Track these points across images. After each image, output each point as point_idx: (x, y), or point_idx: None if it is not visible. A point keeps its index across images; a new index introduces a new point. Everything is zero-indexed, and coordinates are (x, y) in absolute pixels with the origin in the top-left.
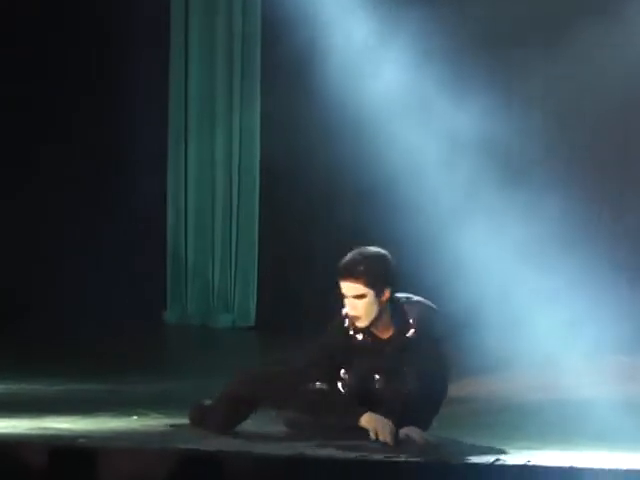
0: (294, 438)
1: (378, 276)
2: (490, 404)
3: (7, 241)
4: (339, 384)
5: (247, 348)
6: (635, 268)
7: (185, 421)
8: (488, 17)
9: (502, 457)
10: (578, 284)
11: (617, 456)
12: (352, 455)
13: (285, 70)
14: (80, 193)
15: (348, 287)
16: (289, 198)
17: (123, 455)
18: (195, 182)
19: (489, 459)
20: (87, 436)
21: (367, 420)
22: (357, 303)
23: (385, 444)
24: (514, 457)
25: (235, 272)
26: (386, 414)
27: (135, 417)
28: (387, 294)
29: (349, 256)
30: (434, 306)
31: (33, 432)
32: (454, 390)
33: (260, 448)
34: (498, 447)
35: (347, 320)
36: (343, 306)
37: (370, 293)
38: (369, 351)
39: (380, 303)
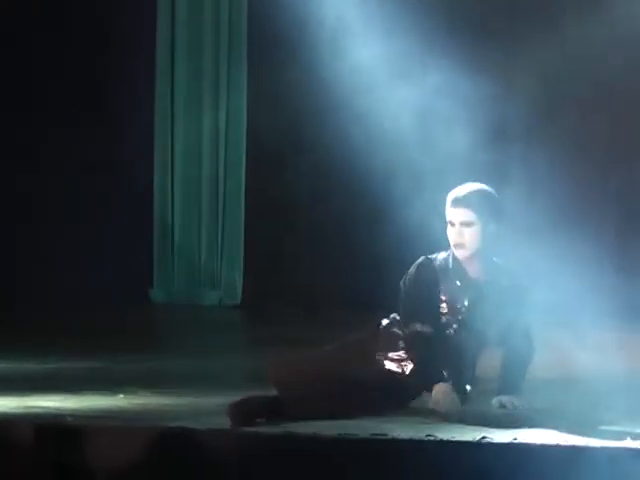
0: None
1: (488, 208)
2: None
3: None
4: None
5: (233, 326)
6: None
7: (170, 398)
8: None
9: (489, 435)
10: (563, 265)
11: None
12: (335, 432)
13: (272, 46)
14: (65, 174)
15: (458, 213)
16: (276, 176)
17: (110, 433)
18: (182, 161)
19: (476, 436)
20: (74, 414)
21: (437, 390)
22: (464, 231)
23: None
24: (501, 435)
25: (222, 250)
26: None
27: (122, 395)
28: (493, 230)
29: (463, 186)
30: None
31: (20, 411)
32: None
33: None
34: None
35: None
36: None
37: (478, 223)
38: (458, 288)
39: (485, 236)
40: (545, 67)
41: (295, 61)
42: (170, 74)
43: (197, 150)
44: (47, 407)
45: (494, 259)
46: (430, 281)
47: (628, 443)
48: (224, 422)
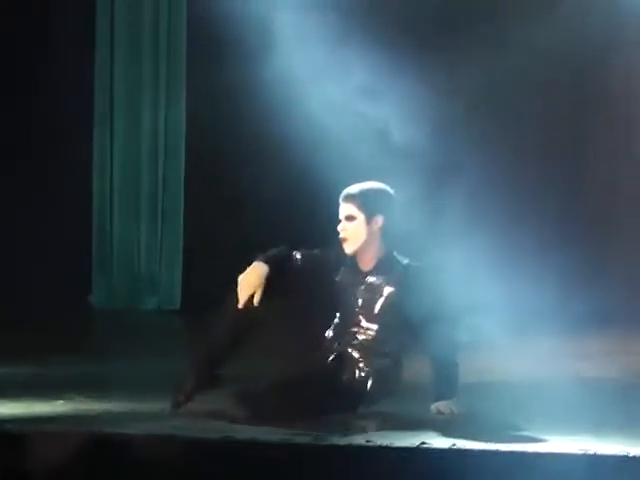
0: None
1: (371, 202)
2: None
3: None
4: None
5: (172, 331)
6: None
7: (108, 404)
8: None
9: (428, 441)
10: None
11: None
12: (276, 437)
13: (211, 42)
14: (3, 176)
15: (342, 208)
16: (215, 179)
17: (49, 439)
18: (120, 165)
19: (415, 442)
20: (13, 420)
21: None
22: (347, 225)
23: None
24: (440, 441)
25: (161, 255)
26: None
27: (61, 401)
28: (379, 222)
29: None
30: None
31: None
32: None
33: (189, 431)
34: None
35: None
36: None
37: (360, 217)
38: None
39: (370, 231)
40: (487, 71)
41: (234, 61)
42: (109, 77)
43: (136, 154)
44: None
45: (394, 254)
46: (323, 267)
47: (566, 449)
48: (162, 427)
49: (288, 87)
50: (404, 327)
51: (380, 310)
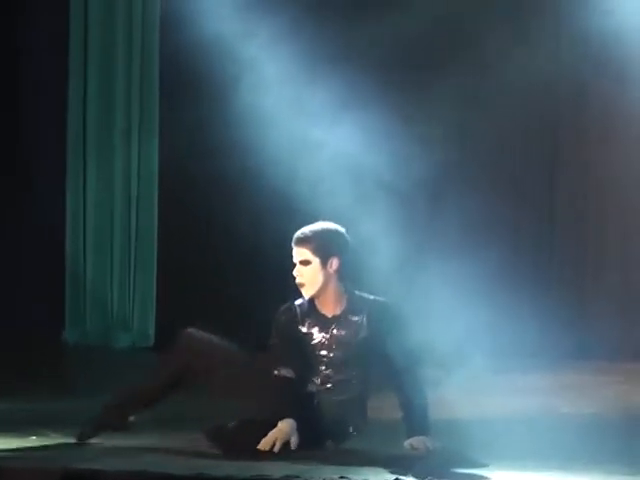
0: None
1: (325, 244)
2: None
3: None
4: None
5: (146, 368)
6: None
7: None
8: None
9: (402, 477)
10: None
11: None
12: (249, 474)
13: (184, 75)
14: None
15: (296, 252)
16: (187, 219)
17: (22, 475)
18: (94, 201)
19: (388, 478)
20: None
21: (281, 425)
22: (302, 270)
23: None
24: (414, 476)
25: (134, 292)
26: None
27: (34, 437)
28: (334, 265)
29: (307, 226)
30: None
31: None
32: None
33: (161, 467)
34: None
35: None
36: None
37: (315, 260)
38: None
39: (327, 274)
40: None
41: (207, 98)
42: (82, 121)
43: (109, 191)
44: None
45: (356, 293)
46: (289, 326)
47: None
48: (134, 463)
49: (258, 121)
50: (372, 366)
51: (348, 352)
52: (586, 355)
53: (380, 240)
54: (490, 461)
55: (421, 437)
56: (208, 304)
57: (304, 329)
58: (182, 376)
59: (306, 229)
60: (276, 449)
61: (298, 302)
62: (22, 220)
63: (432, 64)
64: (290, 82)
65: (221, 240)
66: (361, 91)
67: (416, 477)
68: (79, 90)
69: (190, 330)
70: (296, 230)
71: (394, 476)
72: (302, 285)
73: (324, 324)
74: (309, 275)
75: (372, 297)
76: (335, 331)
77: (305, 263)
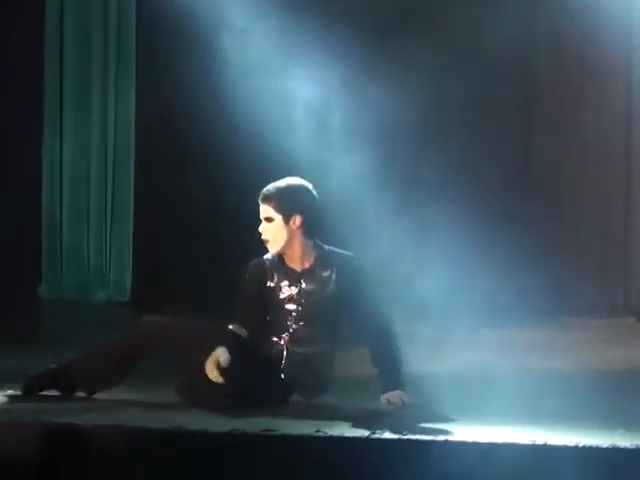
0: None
1: (287, 201)
2: None
3: None
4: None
5: (121, 323)
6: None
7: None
8: None
9: (378, 431)
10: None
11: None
12: (226, 428)
13: (162, 38)
14: None
15: (261, 209)
16: (165, 173)
17: None
18: (70, 155)
19: (365, 432)
20: None
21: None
22: (267, 226)
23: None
24: (390, 431)
25: (110, 247)
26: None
27: (10, 391)
28: (297, 222)
29: (273, 183)
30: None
31: None
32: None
33: (136, 421)
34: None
35: (268, 256)
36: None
37: (278, 217)
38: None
39: (290, 231)
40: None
41: (184, 59)
42: (58, 76)
43: (86, 146)
44: None
45: (326, 247)
46: (255, 281)
47: (516, 439)
48: (111, 417)
49: (238, 81)
50: (342, 322)
51: (316, 307)
52: (561, 312)
53: (359, 190)
54: (464, 417)
55: (397, 392)
56: (184, 258)
57: (272, 283)
58: (132, 366)
59: (271, 186)
60: (213, 374)
61: (267, 256)
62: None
63: (407, 17)
64: (271, 30)
65: (199, 193)
66: (340, 47)
67: (392, 432)
68: (55, 37)
69: (146, 322)
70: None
71: (370, 431)
72: (267, 241)
73: (293, 278)
74: (272, 232)
75: (341, 252)
76: (304, 285)
77: (269, 220)
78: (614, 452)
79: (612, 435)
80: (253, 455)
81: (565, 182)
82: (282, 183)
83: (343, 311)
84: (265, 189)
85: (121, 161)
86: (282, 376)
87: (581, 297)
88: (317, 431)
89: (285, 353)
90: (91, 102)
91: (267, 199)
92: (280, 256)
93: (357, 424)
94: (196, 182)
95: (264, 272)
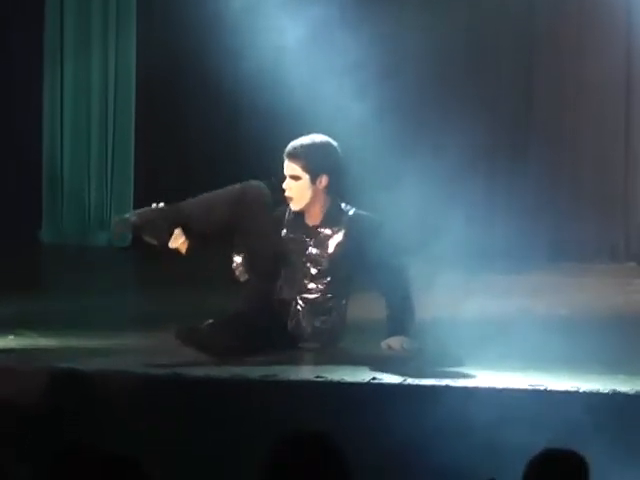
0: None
1: (315, 161)
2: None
3: None
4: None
5: (122, 267)
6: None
7: (59, 340)
8: None
9: (379, 376)
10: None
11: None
12: (227, 374)
13: None
14: None
15: (287, 166)
16: (165, 117)
17: (1, 374)
18: (71, 101)
19: (365, 377)
20: None
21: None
22: (292, 184)
23: None
24: (391, 376)
25: (111, 191)
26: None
27: (11, 337)
28: (324, 182)
29: (298, 139)
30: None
31: None
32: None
33: (141, 368)
34: None
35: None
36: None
37: (305, 177)
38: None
39: (315, 190)
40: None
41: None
42: (59, 21)
43: (86, 90)
44: None
45: (342, 206)
46: (273, 227)
47: (517, 384)
48: (113, 363)
49: (243, 27)
50: (355, 274)
51: (329, 262)
52: (561, 257)
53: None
54: (466, 362)
55: (398, 337)
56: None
57: (286, 234)
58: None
59: (297, 142)
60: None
61: (283, 207)
62: None
63: None
64: None
65: (199, 140)
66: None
67: (393, 376)
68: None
69: (256, 187)
70: (274, 127)
71: (371, 375)
72: (290, 199)
73: (306, 233)
74: (298, 190)
75: (354, 209)
76: (317, 240)
77: (295, 178)
78: (615, 397)
79: (613, 380)
80: (253, 401)
81: (565, 131)
82: (309, 140)
83: (355, 265)
84: (291, 146)
85: (122, 106)
86: (288, 327)
87: (582, 243)
88: (317, 377)
89: (295, 305)
90: (91, 48)
91: (295, 157)
92: (295, 211)
93: (358, 369)
94: (197, 126)
95: (282, 220)
